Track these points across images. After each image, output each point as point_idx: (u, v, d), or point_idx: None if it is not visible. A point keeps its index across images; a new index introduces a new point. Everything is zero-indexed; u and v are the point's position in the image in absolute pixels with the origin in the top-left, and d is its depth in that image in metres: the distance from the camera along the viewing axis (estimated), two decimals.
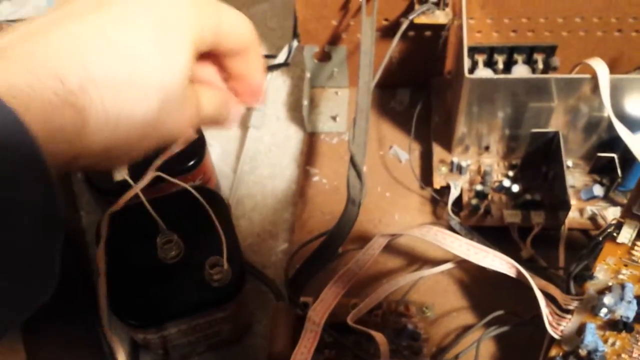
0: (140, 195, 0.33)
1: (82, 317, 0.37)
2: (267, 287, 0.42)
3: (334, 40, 0.47)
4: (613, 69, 0.37)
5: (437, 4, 0.42)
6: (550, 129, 0.40)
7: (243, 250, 0.44)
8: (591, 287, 0.31)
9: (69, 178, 0.47)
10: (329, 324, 0.37)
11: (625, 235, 0.30)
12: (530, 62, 0.42)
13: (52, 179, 0.19)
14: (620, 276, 0.31)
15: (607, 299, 0.30)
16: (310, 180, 0.46)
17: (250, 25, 0.27)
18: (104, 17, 0.22)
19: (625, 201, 0.39)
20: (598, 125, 0.40)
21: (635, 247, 0.30)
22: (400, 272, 0.42)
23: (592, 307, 0.31)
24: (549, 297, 0.33)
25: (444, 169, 0.44)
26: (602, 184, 0.42)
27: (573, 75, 0.38)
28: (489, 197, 0.42)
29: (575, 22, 0.42)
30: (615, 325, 0.32)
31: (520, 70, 0.42)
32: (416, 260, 0.42)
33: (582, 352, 0.32)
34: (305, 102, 0.47)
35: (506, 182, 0.42)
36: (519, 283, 0.34)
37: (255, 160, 0.48)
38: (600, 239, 0.31)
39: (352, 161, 0.37)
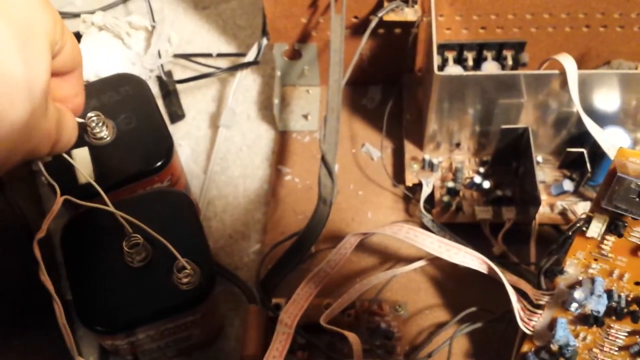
0: (105, 198, 0.32)
1: (48, 323, 0.36)
2: (240, 289, 0.41)
3: (304, 38, 0.46)
4: (581, 64, 0.37)
5: (406, 2, 0.42)
6: (520, 124, 0.41)
7: (215, 252, 0.43)
8: (562, 281, 0.31)
9: (35, 182, 0.46)
10: (302, 325, 0.37)
11: (595, 229, 0.30)
12: (499, 58, 0.42)
13: None
14: (591, 270, 0.31)
15: (578, 294, 0.30)
16: (283, 180, 0.46)
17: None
18: None
19: (594, 196, 0.40)
20: (567, 120, 0.40)
21: (605, 241, 0.30)
22: (373, 270, 0.41)
23: (562, 301, 0.31)
24: (520, 292, 0.33)
25: (416, 166, 0.44)
26: (572, 179, 0.42)
27: (542, 72, 0.38)
28: (461, 193, 0.42)
29: (543, 18, 0.43)
30: (586, 319, 0.32)
31: (490, 67, 0.42)
32: (389, 258, 0.42)
33: (554, 347, 0.32)
34: (276, 101, 0.47)
35: (477, 179, 0.42)
36: (491, 279, 0.34)
37: (226, 160, 0.47)
38: (570, 233, 0.30)
39: (323, 160, 0.37)
